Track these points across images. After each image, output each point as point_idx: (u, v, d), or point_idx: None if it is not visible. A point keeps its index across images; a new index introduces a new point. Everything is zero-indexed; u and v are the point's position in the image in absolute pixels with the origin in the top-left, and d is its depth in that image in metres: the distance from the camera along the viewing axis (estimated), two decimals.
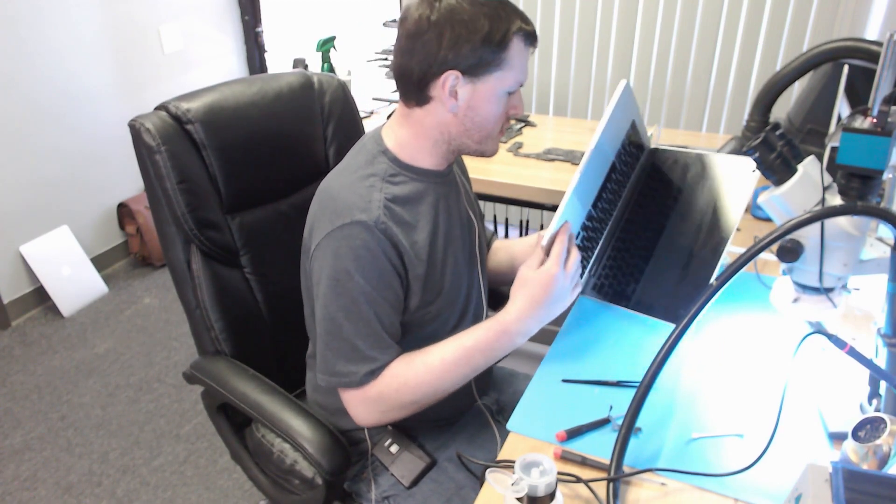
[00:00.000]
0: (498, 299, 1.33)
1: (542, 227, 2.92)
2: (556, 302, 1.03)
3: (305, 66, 2.46)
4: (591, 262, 1.24)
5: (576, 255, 1.04)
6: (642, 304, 1.19)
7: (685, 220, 1.21)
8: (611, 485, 0.85)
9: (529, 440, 0.97)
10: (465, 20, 0.95)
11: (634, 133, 1.17)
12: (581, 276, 1.21)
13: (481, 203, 1.41)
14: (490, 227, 1.40)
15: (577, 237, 1.15)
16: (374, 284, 0.99)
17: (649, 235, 1.23)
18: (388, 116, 2.44)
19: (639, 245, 1.23)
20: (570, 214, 1.08)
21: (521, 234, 2.70)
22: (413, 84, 1.00)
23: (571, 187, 1.07)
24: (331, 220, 1.00)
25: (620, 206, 1.25)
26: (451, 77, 0.97)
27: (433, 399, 1.05)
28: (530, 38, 1.00)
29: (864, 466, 0.77)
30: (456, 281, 1.11)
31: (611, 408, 1.00)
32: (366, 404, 1.04)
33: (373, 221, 0.98)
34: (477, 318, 1.19)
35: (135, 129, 1.15)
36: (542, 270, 1.02)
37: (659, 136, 1.56)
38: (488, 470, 0.76)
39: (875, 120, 0.77)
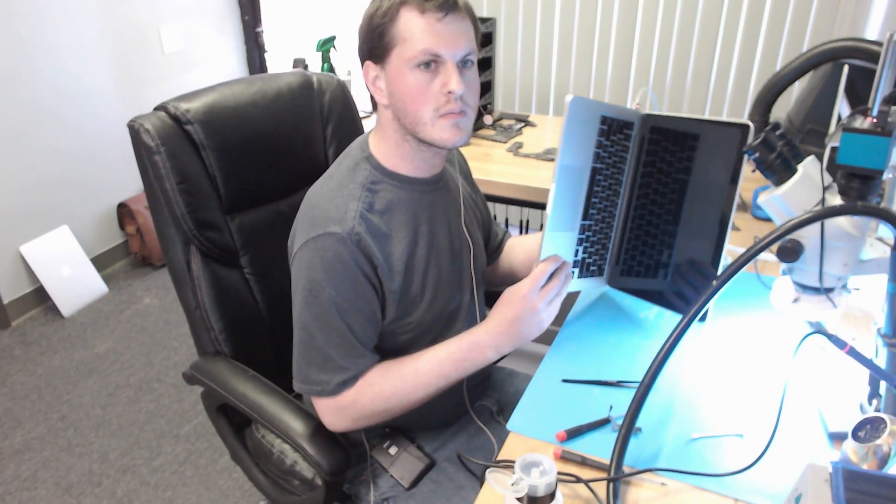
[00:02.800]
0: None
1: (541, 227, 2.92)
2: (523, 322, 0.99)
3: (305, 66, 2.46)
4: (609, 253, 1.22)
5: (556, 282, 1.02)
6: (681, 272, 1.16)
7: (709, 162, 1.14)
8: (611, 485, 0.85)
9: (529, 440, 0.97)
10: (366, 10, 0.98)
11: (612, 123, 1.14)
12: (599, 271, 1.21)
13: None
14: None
15: (576, 254, 1.14)
16: (346, 296, 0.99)
17: (672, 196, 1.18)
18: None
19: (661, 211, 1.19)
20: (552, 249, 1.05)
21: (520, 234, 2.69)
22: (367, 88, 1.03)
23: (544, 227, 1.03)
24: (307, 231, 1.00)
25: (626, 186, 1.21)
26: (369, 70, 1.00)
27: (405, 408, 1.05)
28: (425, 3, 0.93)
29: (864, 466, 0.77)
30: (439, 294, 1.09)
31: (611, 408, 1.00)
32: (338, 412, 1.05)
33: (346, 233, 0.98)
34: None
35: (134, 130, 1.15)
36: (515, 289, 1.01)
37: (649, 100, 1.48)
38: (488, 470, 0.76)
39: (875, 120, 0.76)
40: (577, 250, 1.14)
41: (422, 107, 0.97)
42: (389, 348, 1.08)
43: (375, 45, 0.97)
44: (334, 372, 1.02)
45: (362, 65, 1.02)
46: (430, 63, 0.95)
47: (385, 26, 0.95)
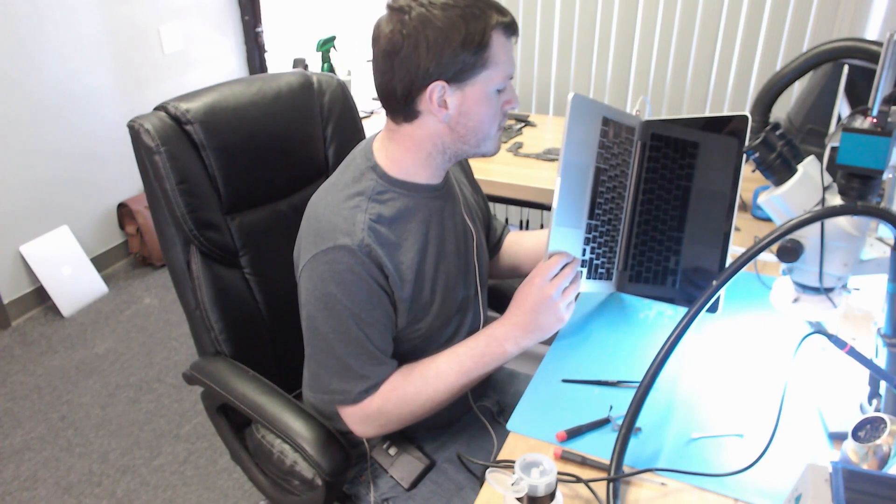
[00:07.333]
0: (505, 301, 1.33)
1: (541, 227, 2.92)
2: (539, 312, 1.01)
3: (305, 66, 2.46)
4: (617, 258, 1.22)
5: (568, 272, 1.03)
6: (689, 278, 1.16)
7: (711, 168, 1.14)
8: (611, 485, 0.85)
9: (529, 440, 0.97)
10: (440, 27, 0.90)
11: (612, 125, 1.14)
12: (607, 274, 1.21)
13: None
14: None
15: (583, 253, 1.14)
16: (362, 306, 0.99)
17: (676, 203, 1.18)
18: None
19: (666, 217, 1.19)
20: (559, 244, 1.06)
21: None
22: (398, 101, 0.96)
23: (551, 221, 1.04)
24: (315, 243, 0.99)
25: (630, 191, 1.21)
26: (437, 88, 0.93)
27: (432, 410, 1.05)
28: (510, 28, 0.96)
29: (864, 466, 0.77)
30: (447, 299, 1.10)
31: (611, 408, 1.00)
32: (365, 419, 1.05)
33: (356, 245, 0.97)
34: (473, 332, 1.18)
35: (134, 130, 1.15)
36: (527, 281, 1.03)
37: (649, 108, 1.50)
38: (488, 470, 0.76)
39: (875, 120, 0.76)
40: (584, 250, 1.14)
41: (493, 125, 1.00)
42: (397, 353, 1.08)
43: (461, 67, 0.93)
44: (355, 381, 1.02)
45: (423, 83, 0.94)
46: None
47: (479, 50, 0.92)
